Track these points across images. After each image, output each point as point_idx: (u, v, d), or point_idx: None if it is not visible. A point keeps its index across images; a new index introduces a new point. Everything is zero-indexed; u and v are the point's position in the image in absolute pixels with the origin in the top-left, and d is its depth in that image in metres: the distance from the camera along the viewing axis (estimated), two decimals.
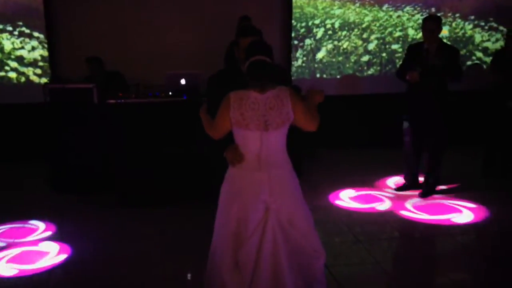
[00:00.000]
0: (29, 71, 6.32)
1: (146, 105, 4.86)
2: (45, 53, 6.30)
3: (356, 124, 6.68)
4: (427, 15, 5.85)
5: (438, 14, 6.31)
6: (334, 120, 6.38)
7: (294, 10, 6.46)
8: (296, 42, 6.53)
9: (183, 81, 5.00)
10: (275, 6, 6.60)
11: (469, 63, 6.78)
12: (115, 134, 4.84)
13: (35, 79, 6.33)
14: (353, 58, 6.66)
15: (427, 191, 5.02)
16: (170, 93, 4.95)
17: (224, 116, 2.63)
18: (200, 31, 6.39)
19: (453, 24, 6.68)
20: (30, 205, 4.99)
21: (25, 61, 6.29)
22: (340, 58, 6.65)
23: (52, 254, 3.92)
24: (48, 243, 4.09)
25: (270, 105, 2.63)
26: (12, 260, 3.83)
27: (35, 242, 4.12)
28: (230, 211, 2.67)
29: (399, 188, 5.19)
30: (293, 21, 6.48)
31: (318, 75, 6.64)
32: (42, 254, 3.92)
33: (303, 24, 6.52)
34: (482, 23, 6.72)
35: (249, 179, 2.67)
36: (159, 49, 6.33)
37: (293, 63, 6.56)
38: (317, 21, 6.53)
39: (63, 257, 3.85)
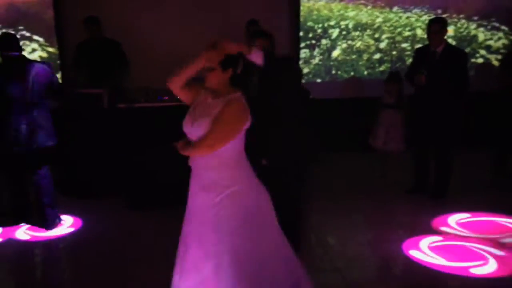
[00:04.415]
0: None
1: (154, 109, 4.87)
2: (44, 54, 6.54)
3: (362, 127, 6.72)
4: (434, 16, 6.24)
5: (444, 16, 6.76)
6: (340, 123, 6.61)
7: (311, 13, 6.94)
8: (313, 41, 7.05)
9: None
10: (283, 9, 6.93)
11: (473, 60, 7.17)
12: (124, 138, 4.88)
13: None
14: (365, 56, 7.17)
15: (437, 193, 5.00)
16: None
17: None
18: (208, 35, 6.29)
19: (458, 24, 7.14)
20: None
21: None
22: (354, 56, 7.16)
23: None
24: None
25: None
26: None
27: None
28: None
29: (409, 191, 5.16)
30: (310, 23, 6.98)
31: (333, 72, 7.15)
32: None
33: (320, 25, 7.03)
34: (485, 23, 7.16)
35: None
36: (168, 53, 6.08)
37: (310, 61, 7.07)
38: (332, 23, 7.04)
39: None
